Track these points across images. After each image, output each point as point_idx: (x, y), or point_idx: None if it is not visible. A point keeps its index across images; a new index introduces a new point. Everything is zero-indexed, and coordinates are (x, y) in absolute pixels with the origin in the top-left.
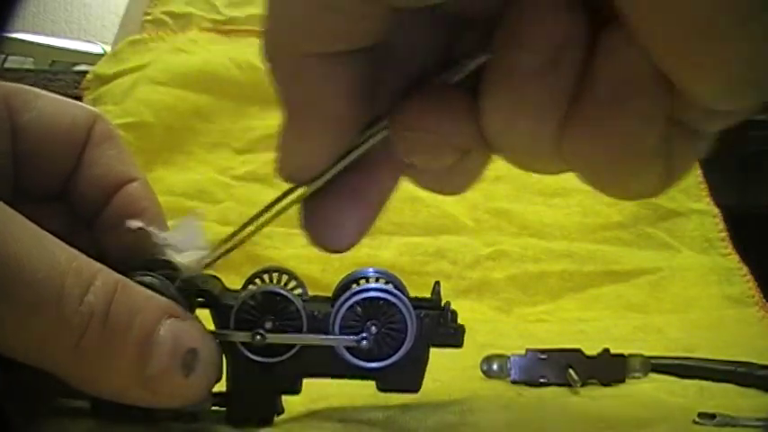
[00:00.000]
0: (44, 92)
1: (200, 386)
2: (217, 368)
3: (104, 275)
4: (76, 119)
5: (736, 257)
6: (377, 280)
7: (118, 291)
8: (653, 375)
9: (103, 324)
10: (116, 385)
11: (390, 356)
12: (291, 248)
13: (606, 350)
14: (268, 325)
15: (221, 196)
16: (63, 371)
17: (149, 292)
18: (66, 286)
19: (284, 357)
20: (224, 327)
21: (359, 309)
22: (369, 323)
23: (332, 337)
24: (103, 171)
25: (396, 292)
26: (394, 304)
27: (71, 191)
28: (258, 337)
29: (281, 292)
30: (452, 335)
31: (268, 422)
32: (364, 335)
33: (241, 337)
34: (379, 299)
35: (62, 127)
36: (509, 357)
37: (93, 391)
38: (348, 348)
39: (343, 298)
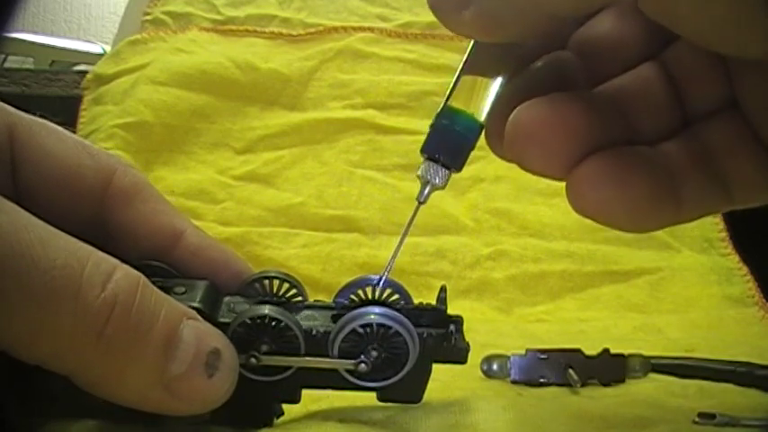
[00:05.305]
0: (63, 132)
1: (222, 389)
2: (237, 372)
3: (125, 269)
4: (82, 169)
5: (736, 257)
6: (382, 292)
7: (141, 284)
8: (653, 375)
9: (128, 314)
10: (137, 386)
11: (390, 378)
12: (291, 248)
13: (606, 350)
14: (264, 348)
15: (221, 196)
16: (82, 369)
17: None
18: (86, 274)
19: (281, 377)
20: None
21: (360, 331)
22: (369, 347)
23: (330, 360)
24: (150, 230)
25: (398, 316)
26: (396, 331)
27: (121, 252)
28: (253, 359)
29: (279, 317)
30: (457, 353)
31: (268, 424)
32: (363, 358)
33: None
34: (380, 325)
35: (65, 173)
36: (509, 357)
37: (110, 393)
38: (347, 369)
39: (343, 321)
